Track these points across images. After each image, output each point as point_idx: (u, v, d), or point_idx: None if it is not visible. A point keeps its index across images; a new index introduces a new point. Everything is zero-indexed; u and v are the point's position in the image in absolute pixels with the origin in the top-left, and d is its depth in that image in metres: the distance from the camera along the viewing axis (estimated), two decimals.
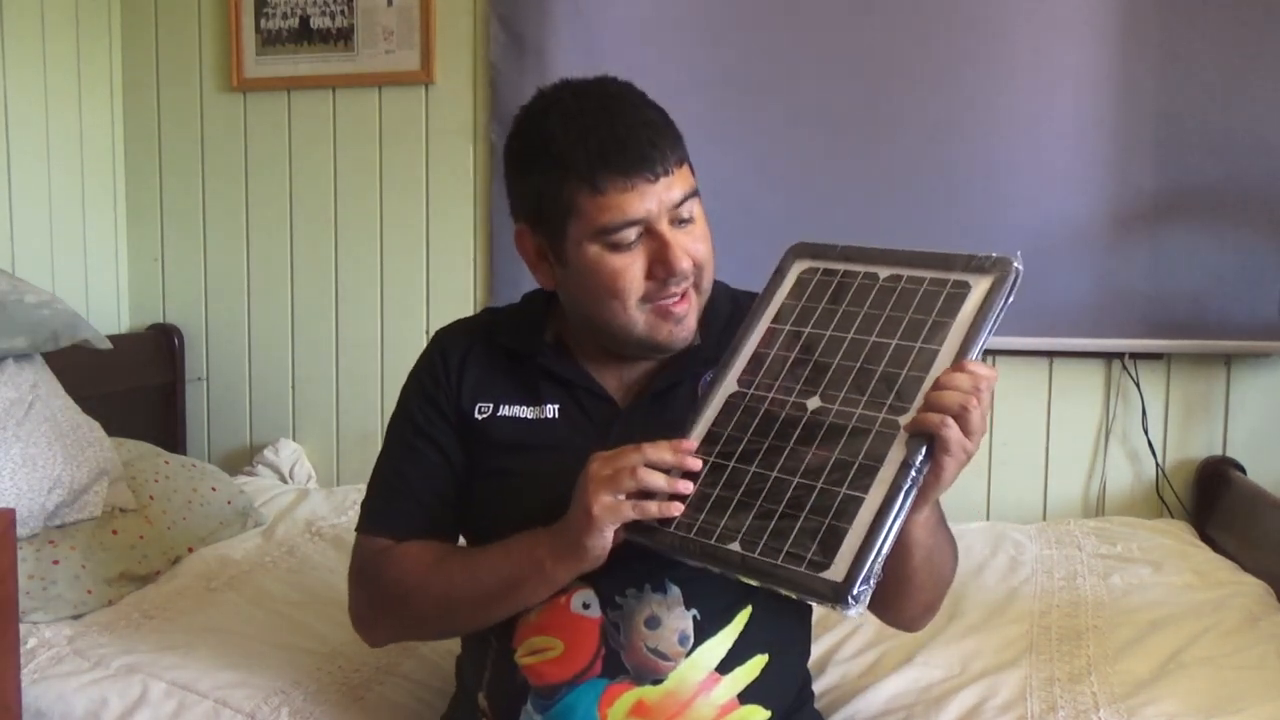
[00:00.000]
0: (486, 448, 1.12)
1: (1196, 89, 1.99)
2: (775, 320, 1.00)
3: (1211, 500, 2.03)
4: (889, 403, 0.91)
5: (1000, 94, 2.08)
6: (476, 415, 1.12)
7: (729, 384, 0.99)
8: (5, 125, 2.23)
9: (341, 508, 2.12)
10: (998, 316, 0.91)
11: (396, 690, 1.38)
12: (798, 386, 0.95)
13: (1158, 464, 2.11)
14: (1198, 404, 2.10)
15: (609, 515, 0.92)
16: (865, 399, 0.92)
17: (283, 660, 1.42)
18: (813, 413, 0.93)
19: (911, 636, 1.45)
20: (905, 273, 0.96)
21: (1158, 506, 2.11)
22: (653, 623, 1.02)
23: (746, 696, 1.05)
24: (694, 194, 1.06)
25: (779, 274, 1.03)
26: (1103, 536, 1.90)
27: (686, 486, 0.93)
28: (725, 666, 1.04)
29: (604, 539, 0.93)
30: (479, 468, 1.13)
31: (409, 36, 2.35)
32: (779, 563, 0.86)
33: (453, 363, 1.15)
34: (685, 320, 1.07)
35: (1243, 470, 2.04)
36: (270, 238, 2.50)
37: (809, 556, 0.85)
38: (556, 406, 1.11)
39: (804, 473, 0.90)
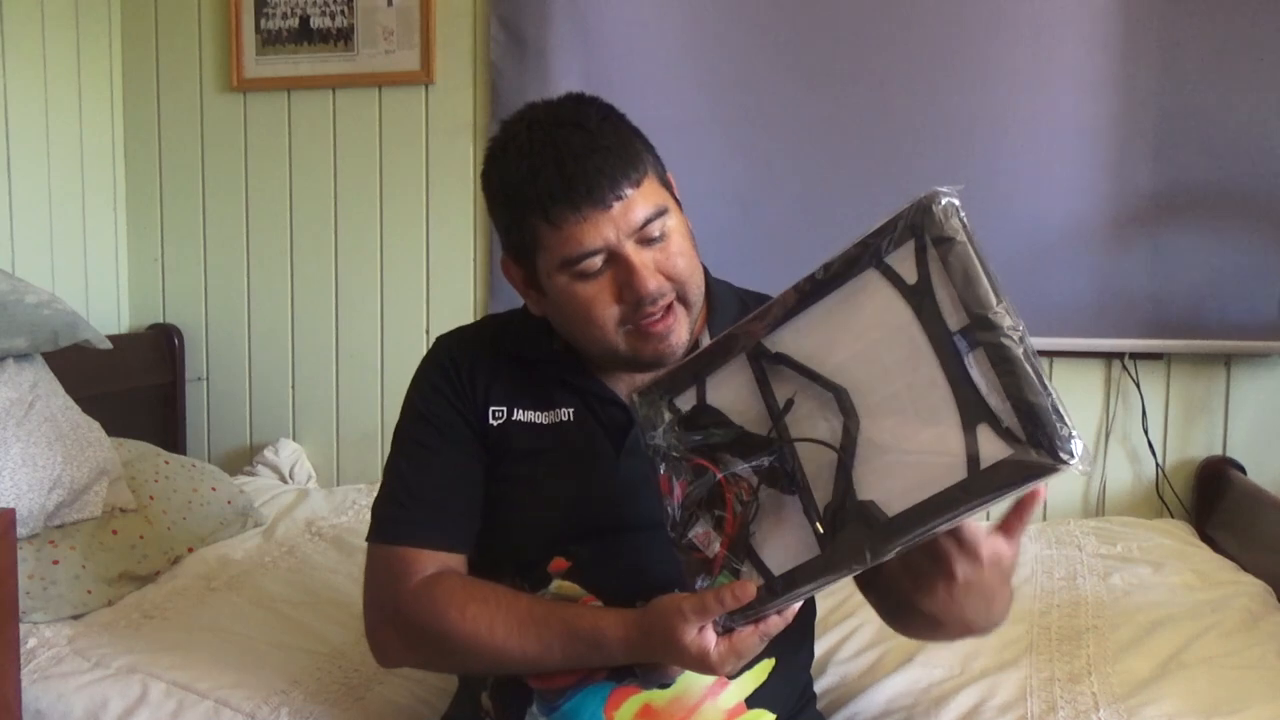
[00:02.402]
0: (502, 453, 1.11)
1: (1196, 89, 1.99)
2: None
3: (1211, 500, 2.03)
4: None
5: (1000, 94, 2.08)
6: (491, 421, 1.11)
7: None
8: (5, 125, 2.23)
9: (341, 508, 2.12)
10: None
11: (397, 690, 1.38)
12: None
13: (1158, 464, 2.11)
14: (1198, 404, 2.10)
15: (730, 664, 0.91)
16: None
17: (283, 660, 1.42)
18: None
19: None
20: None
21: (1158, 506, 2.11)
22: None
23: (754, 700, 1.05)
24: (662, 211, 1.02)
25: None
26: (1103, 536, 1.90)
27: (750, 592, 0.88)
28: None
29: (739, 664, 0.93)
30: (494, 473, 1.12)
31: (409, 36, 2.35)
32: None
33: (464, 367, 1.13)
34: (669, 337, 1.04)
35: (1243, 470, 2.04)
36: (270, 238, 2.50)
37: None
38: (571, 410, 1.10)
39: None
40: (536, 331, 1.14)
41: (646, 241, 1.02)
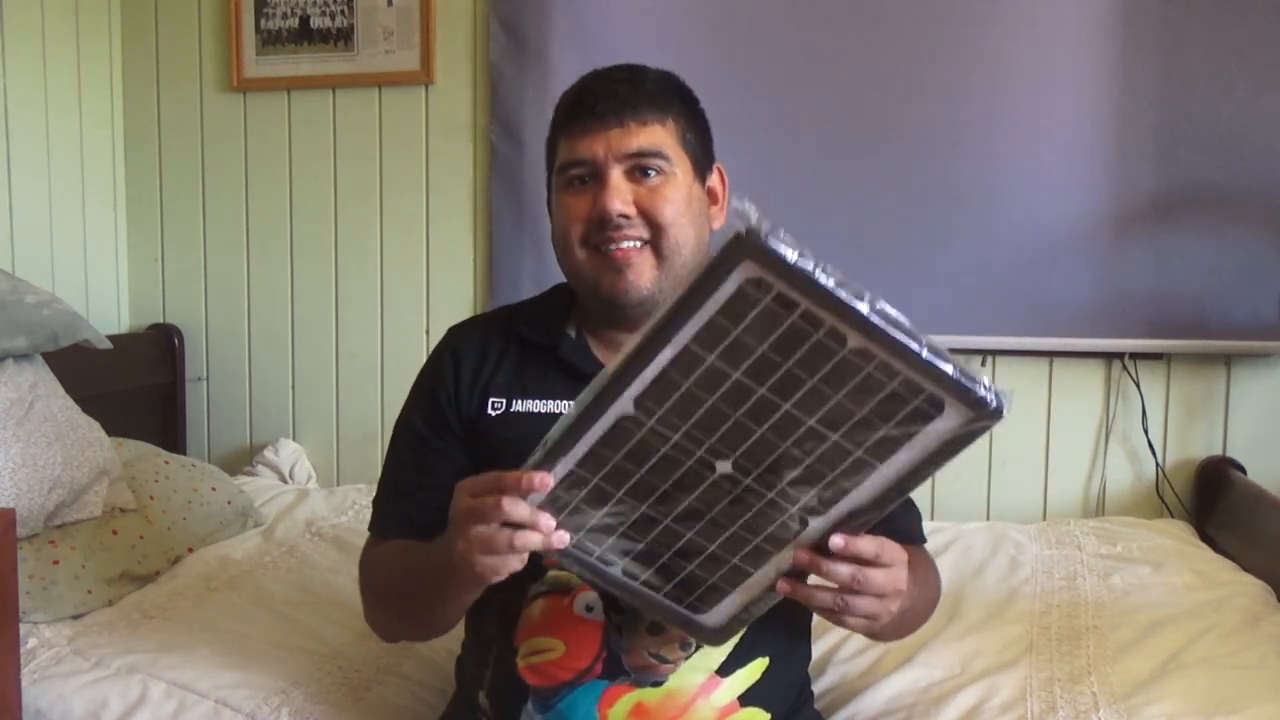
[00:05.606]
0: (499, 445, 1.10)
1: (1197, 89, 1.99)
2: (698, 343, 0.74)
3: (1211, 500, 2.03)
4: (804, 502, 0.81)
5: (1000, 94, 2.08)
6: (489, 412, 1.11)
7: (624, 403, 0.78)
8: (5, 125, 2.23)
9: (341, 508, 2.12)
10: (950, 455, 0.77)
11: (396, 690, 1.38)
12: (708, 441, 0.79)
13: (1158, 464, 2.11)
14: (1198, 404, 2.10)
15: (478, 547, 0.85)
16: (782, 485, 0.80)
17: (283, 660, 1.42)
18: (721, 476, 0.80)
19: (912, 636, 1.45)
20: (879, 354, 0.72)
21: (1158, 506, 2.11)
22: (655, 628, 1.02)
23: (747, 699, 1.05)
24: (664, 157, 1.06)
25: (717, 272, 0.71)
26: (1103, 536, 1.90)
27: (548, 524, 0.84)
28: (726, 669, 1.04)
29: (486, 564, 0.86)
30: (491, 465, 1.11)
31: (409, 36, 2.35)
32: (660, 597, 0.91)
33: (464, 360, 1.14)
34: (627, 272, 1.05)
35: (1243, 470, 2.04)
36: (270, 238, 2.50)
37: (689, 600, 0.91)
38: (570, 402, 1.10)
39: (699, 530, 0.85)
40: (549, 316, 1.15)
41: (635, 175, 1.06)
